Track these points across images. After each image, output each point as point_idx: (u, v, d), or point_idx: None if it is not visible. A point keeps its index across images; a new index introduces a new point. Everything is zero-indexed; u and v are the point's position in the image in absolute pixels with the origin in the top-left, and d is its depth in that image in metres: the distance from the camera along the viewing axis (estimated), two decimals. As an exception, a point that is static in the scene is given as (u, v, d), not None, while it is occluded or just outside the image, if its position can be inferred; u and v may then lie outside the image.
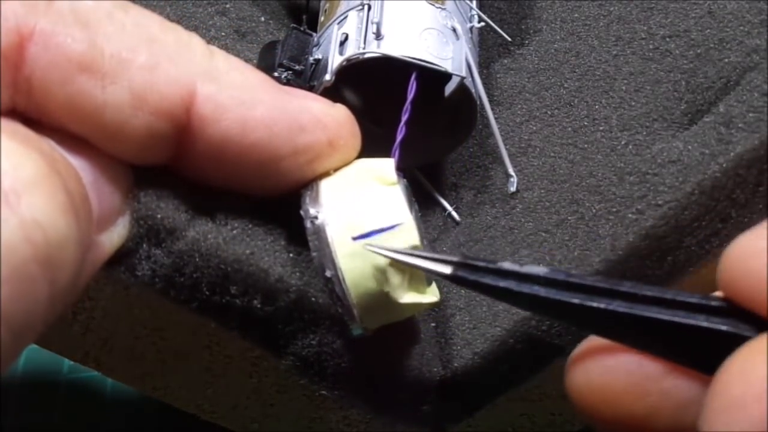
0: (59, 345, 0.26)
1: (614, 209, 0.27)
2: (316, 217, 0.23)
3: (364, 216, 0.23)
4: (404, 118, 0.28)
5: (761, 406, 0.15)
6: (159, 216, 0.21)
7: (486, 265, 0.20)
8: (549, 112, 0.33)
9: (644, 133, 0.30)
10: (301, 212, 0.23)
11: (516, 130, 0.33)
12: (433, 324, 0.29)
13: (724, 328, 0.17)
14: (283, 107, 0.22)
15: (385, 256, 0.22)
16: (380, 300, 0.23)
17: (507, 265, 0.20)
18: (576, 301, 0.19)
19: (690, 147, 0.26)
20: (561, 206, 0.29)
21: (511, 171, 0.32)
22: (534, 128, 0.33)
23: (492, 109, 0.33)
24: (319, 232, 0.23)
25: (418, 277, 0.23)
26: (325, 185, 0.23)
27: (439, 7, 0.31)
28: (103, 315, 0.24)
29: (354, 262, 0.22)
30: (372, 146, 0.25)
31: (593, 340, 0.20)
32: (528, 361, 0.27)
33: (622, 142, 0.30)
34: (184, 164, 0.22)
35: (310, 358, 0.24)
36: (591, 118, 0.32)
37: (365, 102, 0.33)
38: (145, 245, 0.21)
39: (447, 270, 0.20)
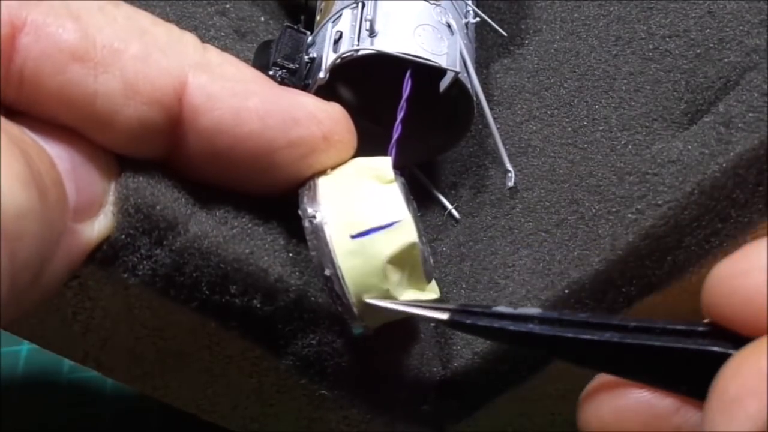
0: (59, 345, 0.26)
1: (614, 209, 0.27)
2: (314, 216, 0.23)
3: (363, 214, 0.23)
4: (400, 115, 0.28)
5: (757, 400, 0.16)
6: (158, 207, 0.21)
7: (482, 310, 0.21)
8: (549, 112, 0.33)
9: (644, 132, 0.30)
10: (299, 211, 0.23)
11: (516, 129, 0.33)
12: (433, 324, 0.29)
13: (714, 348, 0.18)
14: (276, 100, 0.22)
15: (385, 308, 0.22)
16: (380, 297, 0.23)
17: (501, 308, 0.21)
18: (569, 335, 0.19)
19: (690, 147, 0.26)
20: (561, 206, 0.29)
21: (508, 166, 0.31)
22: (534, 128, 0.33)
23: (492, 109, 0.33)
24: (318, 231, 0.23)
25: (417, 275, 0.23)
26: (322, 184, 0.23)
27: (434, 4, 0.31)
28: (103, 315, 0.24)
29: (353, 261, 0.22)
30: (370, 144, 0.25)
31: (602, 378, 0.20)
32: (528, 361, 0.27)
33: (622, 142, 0.30)
34: (179, 159, 0.22)
35: (310, 358, 0.24)
36: (591, 118, 0.32)
37: (362, 100, 0.33)
38: (145, 242, 0.21)
39: (444, 316, 0.21)
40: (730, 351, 0.18)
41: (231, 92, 0.22)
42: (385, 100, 0.29)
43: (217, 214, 0.23)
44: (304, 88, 0.29)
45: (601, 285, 0.26)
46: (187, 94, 0.21)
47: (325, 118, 0.23)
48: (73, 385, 0.42)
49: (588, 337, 0.19)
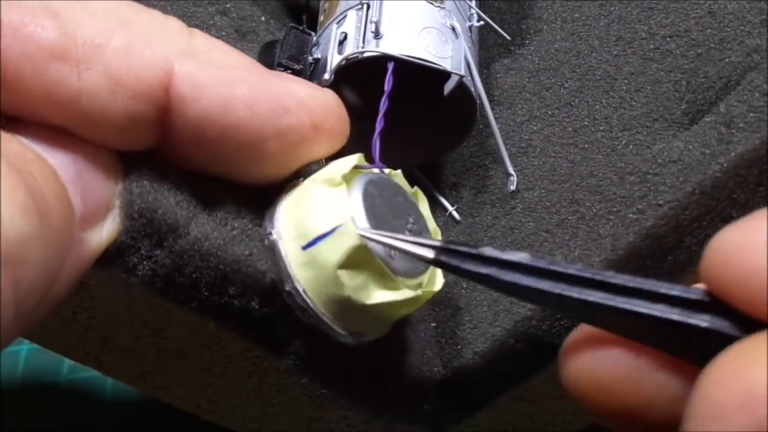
0: (59, 345, 0.26)
1: (615, 209, 0.27)
2: (270, 234, 0.23)
3: (310, 223, 0.22)
4: (382, 110, 0.27)
5: (743, 416, 0.15)
6: (160, 211, 0.21)
7: (468, 250, 0.20)
8: (549, 112, 0.33)
9: (645, 132, 0.30)
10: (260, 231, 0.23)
11: (516, 129, 0.33)
12: (433, 324, 0.29)
13: (703, 324, 0.17)
14: (265, 88, 0.22)
15: (373, 240, 0.21)
16: (346, 305, 0.22)
17: (488, 251, 0.20)
18: (556, 291, 0.19)
19: (690, 147, 0.26)
20: (561, 206, 0.29)
21: (510, 170, 0.32)
22: (534, 128, 0.33)
23: (492, 109, 0.33)
24: (273, 247, 0.22)
25: (383, 274, 0.22)
26: (283, 201, 0.23)
27: (438, 6, 0.31)
28: (103, 315, 0.24)
29: (308, 272, 0.22)
30: (371, 146, 0.25)
31: (586, 328, 0.20)
32: (528, 360, 0.27)
33: (623, 142, 0.30)
34: (169, 149, 0.22)
35: (310, 358, 0.24)
36: (591, 118, 0.32)
37: (365, 102, 0.33)
38: (146, 243, 0.21)
39: (430, 254, 0.21)
40: (725, 330, 0.17)
41: (218, 80, 0.21)
42: (388, 102, 0.29)
43: (219, 215, 0.23)
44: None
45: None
46: (173, 84, 0.21)
47: (315, 106, 0.22)
48: (73, 385, 0.42)
49: (575, 295, 0.18)
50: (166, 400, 0.28)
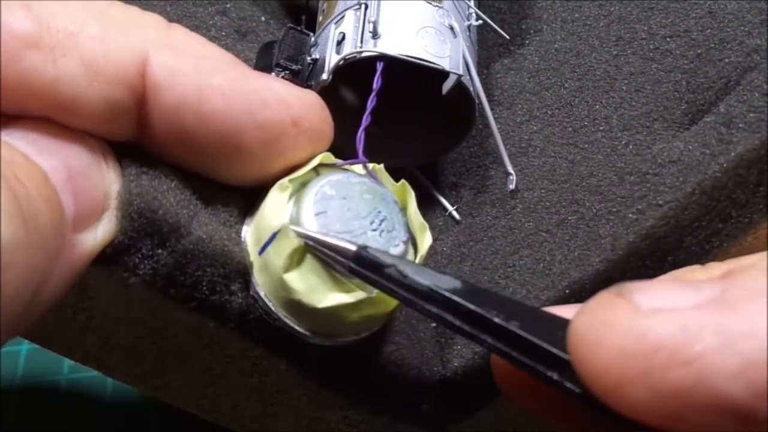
0: (59, 345, 0.26)
1: (615, 209, 0.27)
2: (243, 240, 0.23)
3: (262, 228, 0.22)
4: (370, 106, 0.27)
5: None
6: (160, 211, 0.21)
7: (378, 259, 0.21)
8: (549, 112, 0.33)
9: (645, 133, 0.30)
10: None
11: (516, 129, 0.33)
12: (433, 324, 0.29)
13: (577, 391, 0.17)
14: (244, 82, 0.22)
15: (307, 242, 0.21)
16: (300, 307, 0.22)
17: (393, 272, 0.20)
18: (449, 318, 0.19)
19: (690, 147, 0.26)
20: (561, 206, 0.29)
21: (510, 169, 0.32)
22: (534, 128, 0.33)
23: (492, 109, 0.32)
24: (243, 252, 0.23)
25: (334, 276, 0.22)
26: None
27: (437, 6, 0.31)
28: (103, 315, 0.24)
29: (264, 277, 0.22)
30: (370, 145, 0.25)
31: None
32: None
33: (623, 142, 0.30)
34: (150, 140, 0.22)
35: (310, 358, 0.24)
36: (591, 118, 0.32)
37: (364, 102, 0.33)
38: (147, 243, 0.21)
39: (346, 262, 0.21)
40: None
41: (194, 68, 0.21)
42: (387, 101, 0.29)
43: (222, 216, 0.23)
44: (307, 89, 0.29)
45: (602, 285, 0.26)
46: (148, 71, 0.21)
47: (295, 104, 0.22)
48: (73, 385, 0.42)
49: (467, 330, 0.19)
50: (166, 400, 0.28)
